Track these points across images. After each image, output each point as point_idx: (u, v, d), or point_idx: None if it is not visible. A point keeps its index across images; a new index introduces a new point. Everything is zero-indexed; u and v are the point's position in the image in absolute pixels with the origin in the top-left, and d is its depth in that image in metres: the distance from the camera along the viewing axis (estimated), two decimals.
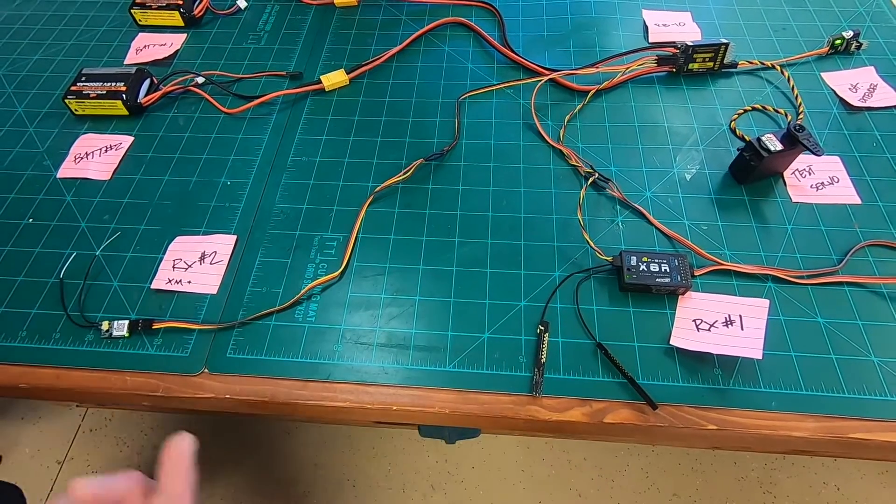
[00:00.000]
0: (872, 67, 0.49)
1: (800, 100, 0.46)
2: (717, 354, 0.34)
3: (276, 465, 0.94)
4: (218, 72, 0.52)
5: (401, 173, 0.43)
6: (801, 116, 0.46)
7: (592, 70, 0.48)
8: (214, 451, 0.94)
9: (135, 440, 0.98)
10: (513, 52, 0.51)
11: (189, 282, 0.39)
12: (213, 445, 0.95)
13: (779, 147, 0.39)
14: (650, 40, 0.52)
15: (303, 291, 0.38)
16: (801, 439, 0.32)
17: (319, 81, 0.50)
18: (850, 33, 0.49)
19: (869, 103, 0.46)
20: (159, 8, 0.55)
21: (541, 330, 0.35)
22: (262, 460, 0.94)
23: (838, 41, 0.50)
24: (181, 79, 0.51)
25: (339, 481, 0.92)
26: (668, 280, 0.36)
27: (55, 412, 1.02)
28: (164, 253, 0.40)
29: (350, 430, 0.96)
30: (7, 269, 0.40)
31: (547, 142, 0.45)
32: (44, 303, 0.38)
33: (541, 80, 0.48)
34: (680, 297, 0.36)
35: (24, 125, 0.49)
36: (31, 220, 0.43)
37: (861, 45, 0.50)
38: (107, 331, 0.36)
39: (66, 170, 0.45)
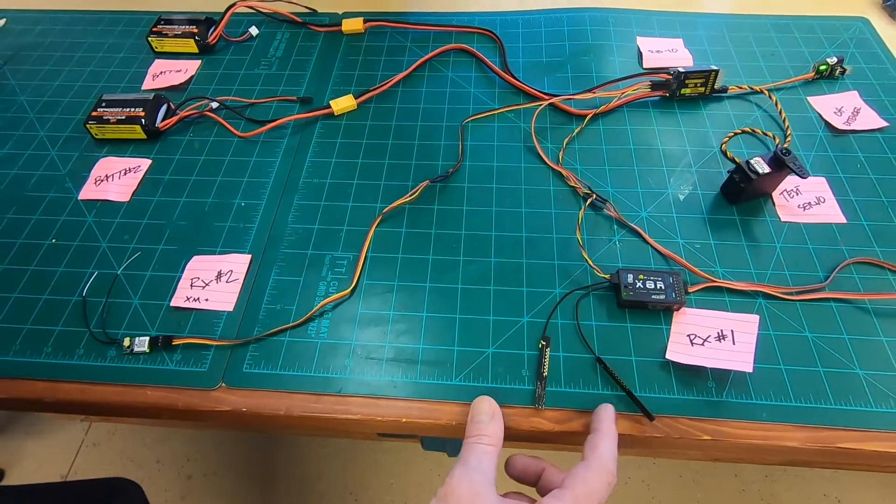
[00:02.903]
0: (856, 92, 0.51)
1: (787, 123, 0.49)
2: (710, 368, 0.36)
3: (279, 478, 0.94)
4: (231, 97, 0.54)
5: (408, 194, 0.45)
6: (788, 139, 0.48)
7: (590, 95, 0.51)
8: (216, 466, 0.95)
9: (138, 454, 0.98)
10: (513, 77, 0.54)
11: (206, 299, 0.40)
12: (215, 461, 0.96)
13: (766, 170, 0.41)
14: (644, 66, 0.55)
15: (315, 308, 0.39)
16: (791, 449, 0.33)
17: (329, 106, 0.52)
18: (835, 59, 0.52)
19: (853, 126, 0.49)
20: (175, 36, 0.58)
21: (542, 345, 0.37)
22: (264, 475, 0.95)
23: (823, 67, 0.52)
24: (197, 104, 0.53)
25: (342, 495, 0.92)
26: (663, 297, 0.38)
27: (58, 426, 1.03)
28: (182, 272, 0.42)
29: (353, 443, 0.97)
30: (32, 288, 0.42)
31: (547, 164, 0.47)
32: (67, 320, 0.40)
33: (541, 105, 0.51)
34: (675, 312, 0.38)
35: (47, 149, 0.51)
36: (54, 241, 0.45)
37: (845, 70, 0.53)
38: (128, 347, 0.38)
39: (87, 192, 0.48)
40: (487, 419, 0.32)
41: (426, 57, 0.56)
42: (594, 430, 0.31)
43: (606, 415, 0.32)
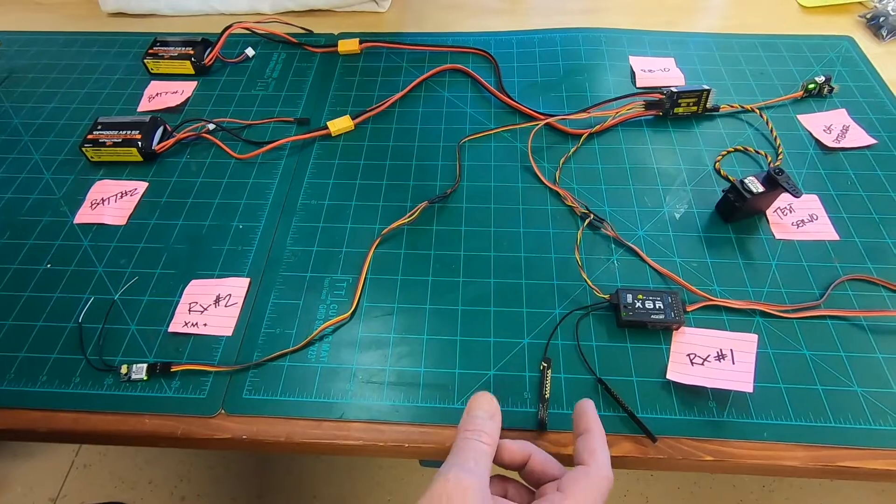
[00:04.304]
0: (844, 110, 0.52)
1: (778, 141, 0.50)
2: (710, 388, 0.36)
3: (274, 498, 0.93)
4: (228, 118, 0.54)
5: (406, 215, 0.45)
6: (780, 157, 0.49)
7: (584, 115, 0.51)
8: (209, 486, 0.94)
9: (130, 475, 0.97)
10: (509, 97, 0.54)
11: (205, 324, 0.40)
12: (208, 481, 0.94)
13: (760, 189, 0.42)
14: (637, 85, 0.56)
15: (315, 332, 0.39)
16: (792, 468, 0.34)
17: (326, 127, 0.52)
18: (822, 78, 0.53)
19: (842, 144, 0.50)
20: (171, 58, 0.58)
21: (544, 366, 0.37)
22: (258, 494, 0.93)
23: (812, 85, 0.53)
24: (193, 126, 0.53)
25: None
26: (662, 316, 0.38)
27: (48, 448, 1.01)
28: (179, 296, 0.42)
29: (350, 460, 0.96)
30: (27, 315, 0.41)
31: (544, 183, 0.48)
32: (63, 347, 0.40)
33: (537, 125, 0.51)
34: (674, 332, 0.39)
35: (41, 172, 0.51)
36: (49, 266, 0.44)
37: (833, 88, 0.54)
38: (126, 374, 0.38)
39: (83, 215, 0.47)
40: (487, 416, 0.29)
41: (422, 77, 0.57)
42: (586, 430, 0.30)
43: (593, 412, 0.30)
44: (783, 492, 0.91)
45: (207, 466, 0.96)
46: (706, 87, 0.51)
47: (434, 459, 0.37)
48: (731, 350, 0.37)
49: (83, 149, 0.50)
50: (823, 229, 0.44)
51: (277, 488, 0.94)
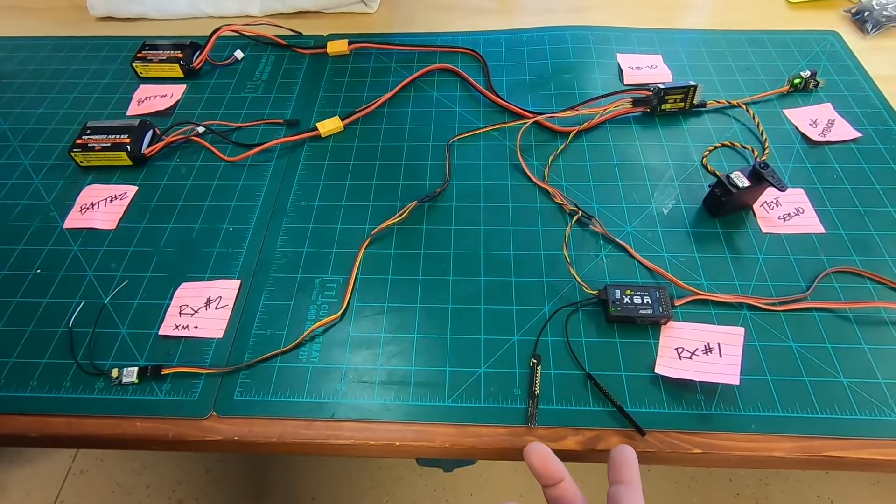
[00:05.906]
0: (830, 104, 0.53)
1: (765, 135, 0.50)
2: (698, 381, 0.36)
3: (272, 500, 0.93)
4: (217, 121, 0.54)
5: (396, 215, 0.45)
6: (766, 151, 0.49)
7: (573, 112, 0.52)
8: (207, 489, 0.94)
9: (128, 480, 0.96)
10: (497, 96, 0.54)
11: (196, 327, 0.40)
12: (206, 484, 0.94)
13: (746, 183, 0.42)
14: (625, 82, 0.56)
15: (306, 333, 0.39)
16: (779, 459, 0.34)
17: (315, 128, 0.52)
18: (808, 73, 0.54)
19: (828, 138, 0.50)
20: (160, 61, 0.58)
21: (533, 363, 0.37)
22: (256, 497, 0.94)
23: (797, 80, 0.54)
24: (182, 129, 0.53)
25: None
26: (650, 311, 0.38)
27: (45, 454, 1.01)
28: (170, 299, 0.42)
29: (347, 460, 0.96)
30: (17, 320, 0.41)
31: (532, 181, 0.48)
32: (54, 352, 0.40)
33: (525, 123, 0.51)
34: (662, 327, 0.39)
35: (30, 177, 0.51)
36: (38, 271, 0.44)
37: (818, 83, 0.54)
38: (116, 378, 0.38)
39: (73, 220, 0.47)
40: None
41: (411, 77, 0.57)
42: (618, 481, 0.27)
43: (630, 465, 0.28)
44: (778, 485, 0.91)
45: (205, 470, 0.96)
46: (693, 83, 0.51)
47: (429, 458, 0.38)
48: (719, 343, 0.37)
49: (72, 153, 0.50)
50: (810, 222, 0.44)
51: (275, 490, 0.94)
